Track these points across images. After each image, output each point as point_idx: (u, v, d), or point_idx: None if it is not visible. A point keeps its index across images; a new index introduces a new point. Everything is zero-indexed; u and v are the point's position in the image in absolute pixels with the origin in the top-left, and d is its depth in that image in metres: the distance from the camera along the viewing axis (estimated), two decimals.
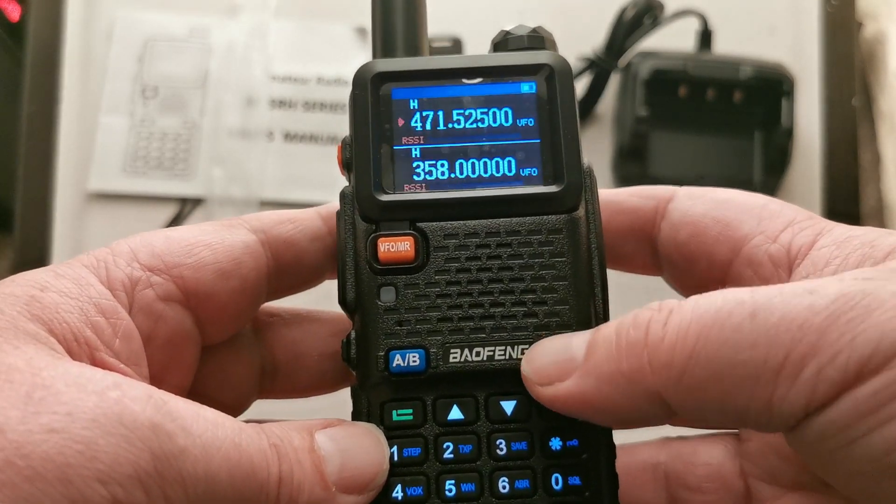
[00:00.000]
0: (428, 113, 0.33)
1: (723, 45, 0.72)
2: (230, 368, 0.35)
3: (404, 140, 0.32)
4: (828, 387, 0.24)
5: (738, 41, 0.73)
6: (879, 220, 0.75)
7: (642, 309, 0.28)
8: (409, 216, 0.32)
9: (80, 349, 0.27)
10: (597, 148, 0.72)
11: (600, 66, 0.70)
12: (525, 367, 0.30)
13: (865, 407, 0.24)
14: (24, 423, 0.23)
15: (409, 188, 0.32)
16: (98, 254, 0.30)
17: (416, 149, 0.32)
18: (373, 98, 0.32)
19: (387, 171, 0.32)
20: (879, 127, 0.77)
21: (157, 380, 0.31)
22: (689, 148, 0.70)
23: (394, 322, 0.31)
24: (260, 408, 0.37)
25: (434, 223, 0.32)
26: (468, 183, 0.32)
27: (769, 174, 0.69)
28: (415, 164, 0.32)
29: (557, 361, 0.29)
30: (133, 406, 0.25)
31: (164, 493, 0.24)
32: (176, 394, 0.27)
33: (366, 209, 0.32)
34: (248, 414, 0.36)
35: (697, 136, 0.70)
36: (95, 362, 0.27)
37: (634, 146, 0.69)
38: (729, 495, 0.34)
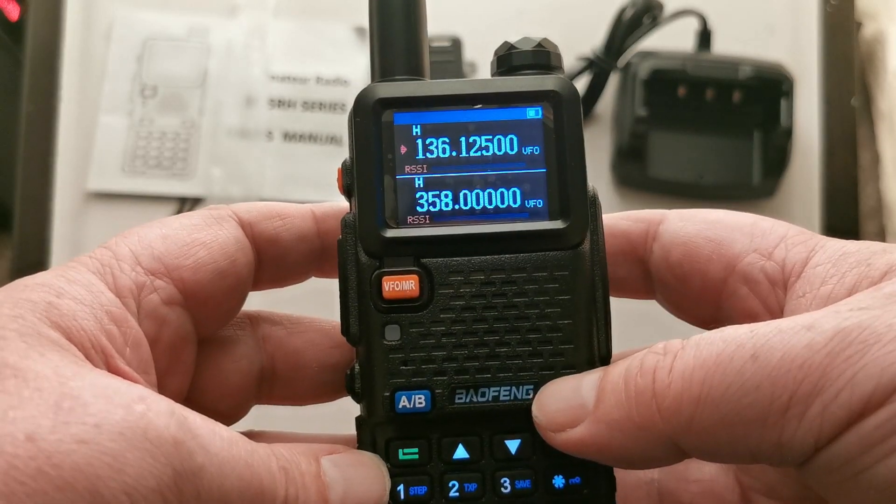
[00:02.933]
0: (431, 140, 0.32)
1: (722, 45, 0.72)
2: (228, 375, 0.35)
3: (407, 169, 0.32)
4: (833, 424, 0.25)
5: (738, 41, 0.73)
6: (878, 220, 0.75)
7: (647, 353, 0.29)
8: (413, 253, 0.31)
9: (96, 357, 0.27)
10: (596, 148, 0.72)
11: (599, 66, 0.70)
12: (536, 413, 0.30)
13: (869, 441, 0.24)
14: (55, 432, 0.23)
15: (413, 220, 0.31)
16: (101, 257, 0.30)
17: (419, 178, 0.32)
18: (374, 126, 0.32)
19: (390, 203, 0.31)
20: (878, 127, 0.78)
21: (159, 384, 0.31)
22: (688, 148, 0.70)
23: (399, 361, 0.31)
24: (257, 411, 0.37)
25: (439, 259, 0.31)
26: (472, 215, 0.32)
27: (768, 174, 0.70)
28: (418, 195, 0.31)
29: (568, 407, 0.29)
30: (157, 421, 0.25)
31: None
32: (175, 397, 0.27)
33: (369, 245, 0.31)
34: (248, 417, 0.36)
35: (697, 136, 0.70)
36: (111, 370, 0.28)
37: (634, 146, 0.69)
38: None
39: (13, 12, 0.89)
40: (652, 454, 0.28)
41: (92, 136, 0.72)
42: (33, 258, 0.69)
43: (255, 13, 0.75)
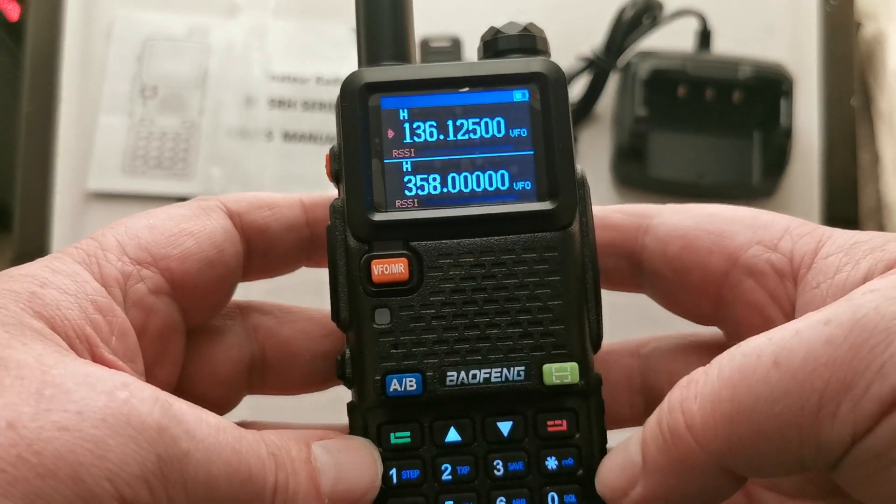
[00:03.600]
0: (418, 124, 0.32)
1: (722, 45, 0.72)
2: (218, 365, 0.35)
3: (395, 153, 0.32)
4: (867, 418, 0.24)
5: (737, 41, 0.72)
6: (878, 221, 0.75)
7: (673, 389, 0.28)
8: (402, 236, 0.31)
9: (81, 346, 0.27)
10: (596, 148, 0.72)
11: (599, 66, 0.70)
12: (601, 490, 0.30)
13: None
14: (36, 419, 0.23)
15: (401, 204, 0.31)
16: (86, 247, 0.30)
17: (406, 162, 0.32)
18: (361, 110, 0.32)
19: (378, 187, 0.31)
20: (878, 127, 0.77)
21: (148, 374, 0.31)
22: (688, 148, 0.70)
23: (389, 345, 0.31)
24: (251, 401, 0.37)
25: (428, 242, 0.31)
26: (461, 198, 0.32)
27: (768, 174, 0.69)
28: (406, 179, 0.32)
29: (622, 470, 0.29)
30: (141, 407, 0.25)
31: (167, 494, 0.25)
32: (164, 387, 0.27)
33: (358, 229, 0.31)
34: (240, 407, 0.36)
35: (696, 136, 0.70)
36: (96, 359, 0.28)
37: (633, 146, 0.69)
38: None
39: (13, 12, 0.90)
40: (707, 485, 0.28)
41: (92, 136, 0.72)
42: (33, 258, 0.69)
43: (255, 13, 0.75)
